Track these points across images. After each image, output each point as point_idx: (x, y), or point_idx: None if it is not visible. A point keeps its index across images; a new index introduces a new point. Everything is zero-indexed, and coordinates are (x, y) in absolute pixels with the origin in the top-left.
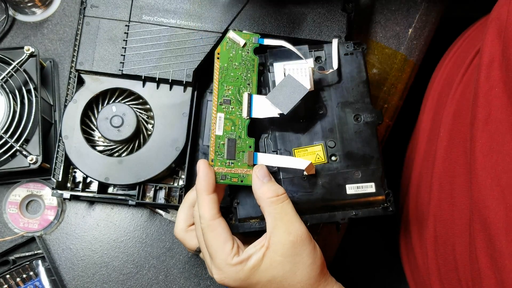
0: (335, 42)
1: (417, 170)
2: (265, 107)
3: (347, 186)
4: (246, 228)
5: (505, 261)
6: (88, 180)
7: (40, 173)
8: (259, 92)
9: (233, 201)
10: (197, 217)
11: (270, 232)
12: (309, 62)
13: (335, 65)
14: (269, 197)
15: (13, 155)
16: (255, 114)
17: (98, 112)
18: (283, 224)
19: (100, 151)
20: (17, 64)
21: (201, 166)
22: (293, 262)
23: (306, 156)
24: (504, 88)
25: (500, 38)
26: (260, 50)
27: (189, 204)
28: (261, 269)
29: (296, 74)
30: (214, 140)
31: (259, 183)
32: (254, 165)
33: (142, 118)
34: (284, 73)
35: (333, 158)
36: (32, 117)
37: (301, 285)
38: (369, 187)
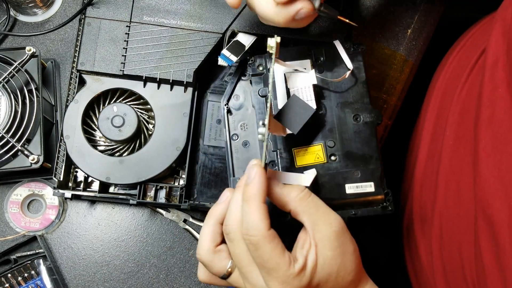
0: (338, 44)
1: (420, 169)
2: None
3: (347, 185)
4: None
5: (508, 260)
6: (89, 179)
7: (42, 173)
8: None
9: None
10: (235, 231)
11: (312, 229)
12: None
13: (350, 65)
14: (296, 195)
15: (15, 155)
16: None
17: (99, 112)
18: (321, 217)
19: (101, 151)
20: (19, 64)
21: (258, 170)
22: (341, 253)
23: (306, 156)
24: (507, 89)
25: (505, 39)
26: (260, 50)
27: (216, 220)
28: (318, 270)
29: (300, 93)
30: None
31: (278, 189)
32: None
33: (143, 118)
34: (285, 77)
35: (333, 157)
36: (34, 117)
37: (352, 276)
38: (368, 187)
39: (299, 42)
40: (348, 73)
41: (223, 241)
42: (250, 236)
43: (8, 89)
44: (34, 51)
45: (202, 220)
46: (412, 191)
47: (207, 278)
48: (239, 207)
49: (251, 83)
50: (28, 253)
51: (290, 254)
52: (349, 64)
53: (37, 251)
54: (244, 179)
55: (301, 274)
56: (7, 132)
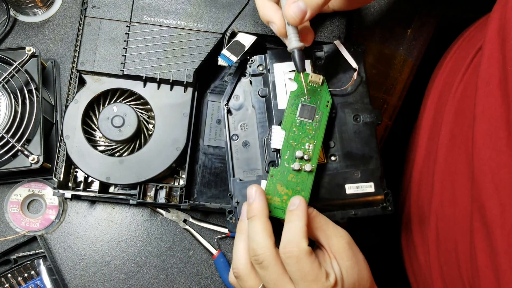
0: (339, 44)
1: (418, 168)
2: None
3: (347, 186)
4: None
5: (500, 260)
6: (89, 179)
7: (42, 173)
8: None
9: (233, 200)
10: (268, 257)
11: (327, 244)
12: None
13: (355, 65)
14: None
15: (15, 155)
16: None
17: (99, 112)
18: (332, 232)
19: (101, 151)
20: (19, 64)
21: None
22: (356, 262)
23: None
24: (499, 85)
25: (499, 36)
26: (260, 50)
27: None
28: (345, 280)
29: None
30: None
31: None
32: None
33: (143, 118)
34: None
35: (333, 158)
36: (34, 117)
37: (369, 283)
38: (368, 187)
39: None
40: (355, 74)
41: None
42: (291, 249)
43: (8, 89)
44: (34, 51)
45: (202, 220)
46: (410, 191)
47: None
48: (264, 234)
49: (251, 83)
50: (28, 253)
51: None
52: (353, 63)
53: (37, 251)
54: (254, 206)
55: (337, 285)
56: (7, 132)
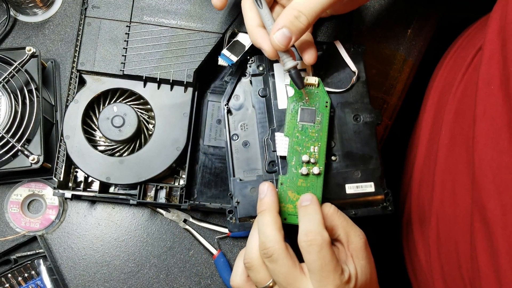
0: (339, 45)
1: (418, 168)
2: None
3: (347, 185)
4: (247, 227)
5: (501, 260)
6: (90, 179)
7: (42, 173)
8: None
9: (233, 200)
10: (277, 250)
11: (346, 241)
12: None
13: (354, 68)
14: (327, 212)
15: (15, 155)
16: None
17: (99, 112)
18: (351, 230)
19: (101, 151)
20: (19, 64)
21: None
22: (369, 262)
23: None
24: (500, 86)
25: (499, 36)
26: (260, 50)
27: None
28: (358, 278)
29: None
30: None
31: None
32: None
33: (143, 118)
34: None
35: (333, 158)
36: (34, 117)
37: (376, 283)
38: (368, 187)
39: None
40: (354, 78)
41: None
42: (314, 237)
43: (8, 89)
44: (34, 51)
45: (202, 220)
46: (411, 191)
47: (241, 284)
48: (274, 228)
49: (251, 83)
50: (28, 253)
51: None
52: (352, 66)
53: (37, 251)
54: (265, 200)
55: (350, 282)
56: (7, 132)
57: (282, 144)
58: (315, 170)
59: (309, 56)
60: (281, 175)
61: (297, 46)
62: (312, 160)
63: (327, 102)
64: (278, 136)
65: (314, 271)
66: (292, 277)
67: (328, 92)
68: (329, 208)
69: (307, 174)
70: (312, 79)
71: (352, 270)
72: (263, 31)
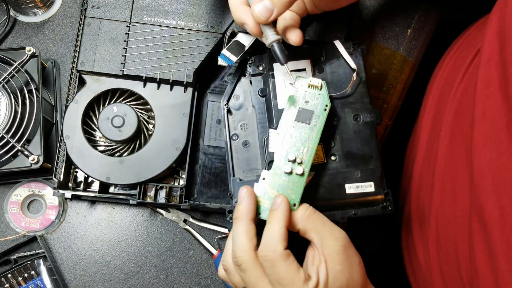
0: (338, 44)
1: (418, 169)
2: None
3: (347, 185)
4: None
5: (499, 261)
6: (90, 180)
7: (42, 173)
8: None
9: (233, 200)
10: (246, 260)
11: (320, 246)
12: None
13: (353, 65)
14: (302, 214)
15: (15, 155)
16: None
17: (99, 112)
18: (328, 233)
19: (101, 151)
20: (19, 64)
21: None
22: (349, 266)
23: None
24: (499, 88)
25: (498, 38)
26: (260, 50)
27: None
28: (330, 284)
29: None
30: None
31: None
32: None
33: (143, 118)
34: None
35: (333, 157)
36: (34, 117)
37: (359, 287)
38: (368, 187)
39: None
40: (354, 75)
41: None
42: (267, 253)
43: (8, 89)
44: (34, 51)
45: (202, 220)
46: (410, 191)
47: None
48: (245, 237)
49: (251, 83)
50: (28, 253)
51: (304, 271)
52: (352, 64)
53: (37, 251)
54: (240, 208)
55: None
56: (7, 132)
57: (274, 141)
58: (299, 169)
59: (295, 36)
60: (265, 169)
61: (282, 29)
62: (298, 160)
63: (327, 106)
64: (272, 132)
65: (274, 283)
66: (260, 287)
67: (331, 97)
68: (305, 210)
69: (290, 173)
70: (316, 81)
71: (322, 276)
72: (246, 8)
